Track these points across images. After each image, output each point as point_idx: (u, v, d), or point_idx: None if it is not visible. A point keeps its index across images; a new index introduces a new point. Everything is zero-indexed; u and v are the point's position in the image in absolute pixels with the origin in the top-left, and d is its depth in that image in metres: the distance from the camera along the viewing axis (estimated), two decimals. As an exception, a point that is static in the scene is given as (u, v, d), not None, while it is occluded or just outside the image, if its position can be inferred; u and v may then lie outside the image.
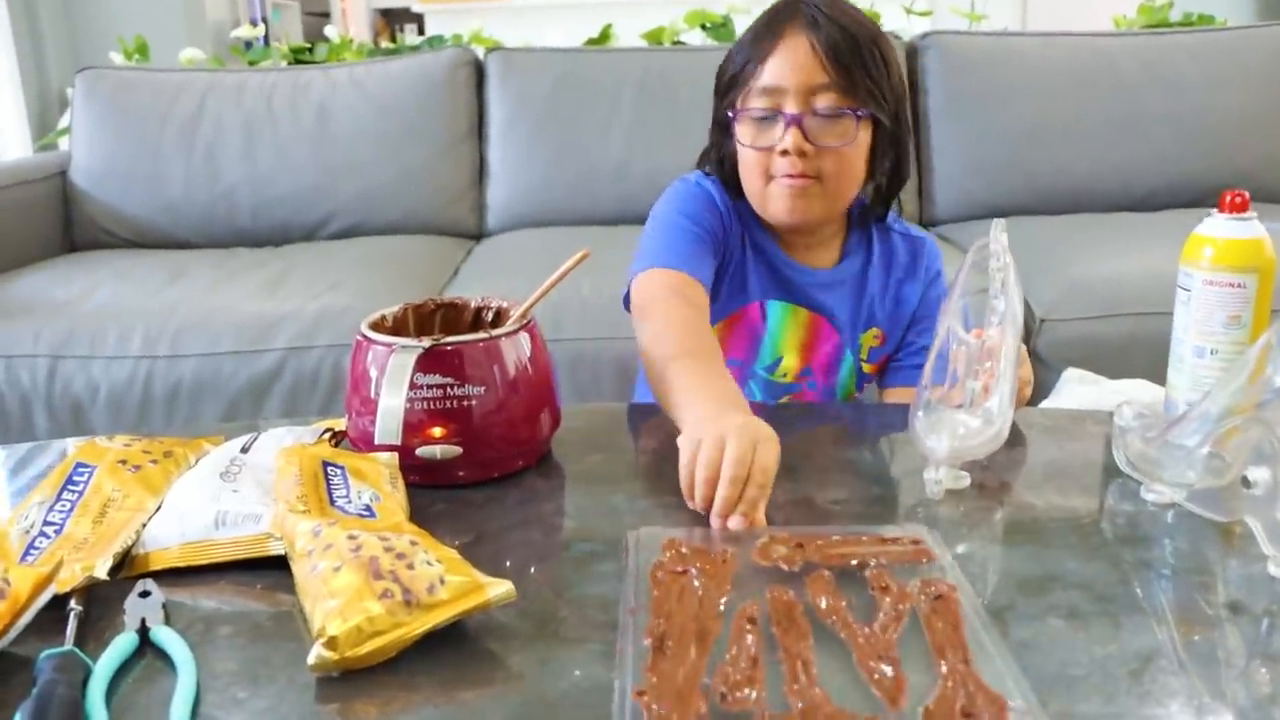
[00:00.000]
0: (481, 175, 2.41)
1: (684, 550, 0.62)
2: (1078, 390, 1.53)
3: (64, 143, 2.58)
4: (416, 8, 4.48)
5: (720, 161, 1.07)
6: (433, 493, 0.76)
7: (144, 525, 0.68)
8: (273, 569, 0.64)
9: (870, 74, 0.98)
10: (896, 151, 1.04)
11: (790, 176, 0.99)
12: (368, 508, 0.67)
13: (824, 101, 0.97)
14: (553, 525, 0.74)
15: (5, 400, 1.75)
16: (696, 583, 0.59)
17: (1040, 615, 0.59)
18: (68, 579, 0.60)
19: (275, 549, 0.65)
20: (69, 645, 0.56)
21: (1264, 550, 0.64)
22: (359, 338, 0.79)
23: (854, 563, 0.62)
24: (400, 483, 0.73)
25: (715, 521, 0.69)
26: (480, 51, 2.47)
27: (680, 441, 0.73)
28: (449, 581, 0.56)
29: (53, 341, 1.76)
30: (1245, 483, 0.66)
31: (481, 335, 0.77)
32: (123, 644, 0.56)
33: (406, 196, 2.34)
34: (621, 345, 1.69)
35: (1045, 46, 2.39)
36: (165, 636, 0.57)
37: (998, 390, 0.76)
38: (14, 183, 2.26)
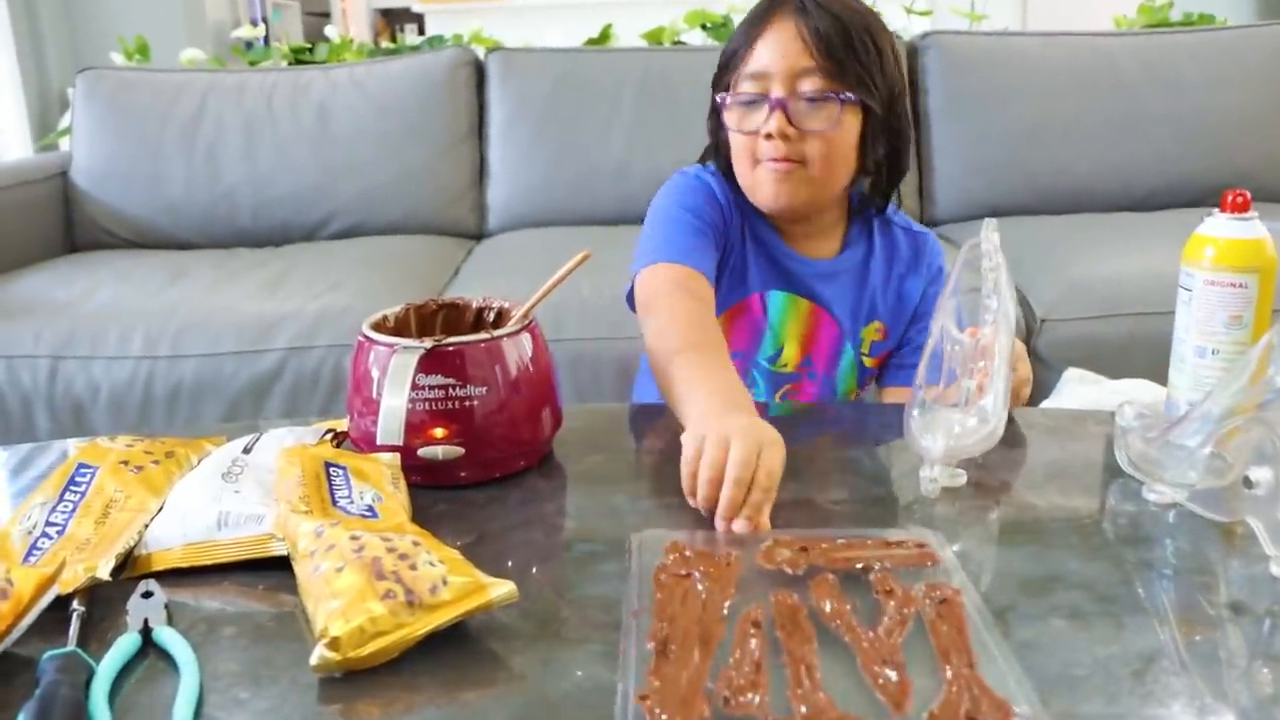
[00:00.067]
0: (482, 175, 2.41)
1: (687, 553, 0.62)
2: (1078, 390, 1.53)
3: (65, 143, 2.58)
4: (417, 8, 4.48)
5: (717, 149, 1.08)
6: (434, 493, 0.76)
7: (146, 526, 0.68)
8: (275, 569, 0.64)
9: (859, 60, 0.97)
10: (893, 141, 1.03)
11: (775, 160, 0.99)
12: (370, 508, 0.67)
13: (809, 85, 0.97)
14: (554, 526, 0.74)
15: (6, 401, 1.75)
16: (700, 586, 0.59)
17: (1043, 616, 0.59)
18: (70, 580, 0.60)
19: (277, 549, 0.65)
20: (72, 646, 0.56)
21: (1266, 550, 0.64)
22: (361, 338, 0.79)
23: (859, 566, 0.62)
24: (402, 483, 0.73)
25: (719, 524, 0.69)
26: (480, 51, 2.47)
27: (684, 438, 0.73)
28: (451, 582, 0.56)
29: (54, 342, 1.76)
30: (1247, 483, 0.66)
31: (483, 336, 0.77)
32: (125, 645, 0.56)
33: (407, 196, 2.34)
34: (622, 345, 1.69)
35: (1045, 46, 2.39)
36: (168, 637, 0.57)
37: (992, 389, 0.76)
38: (15, 183, 2.26)
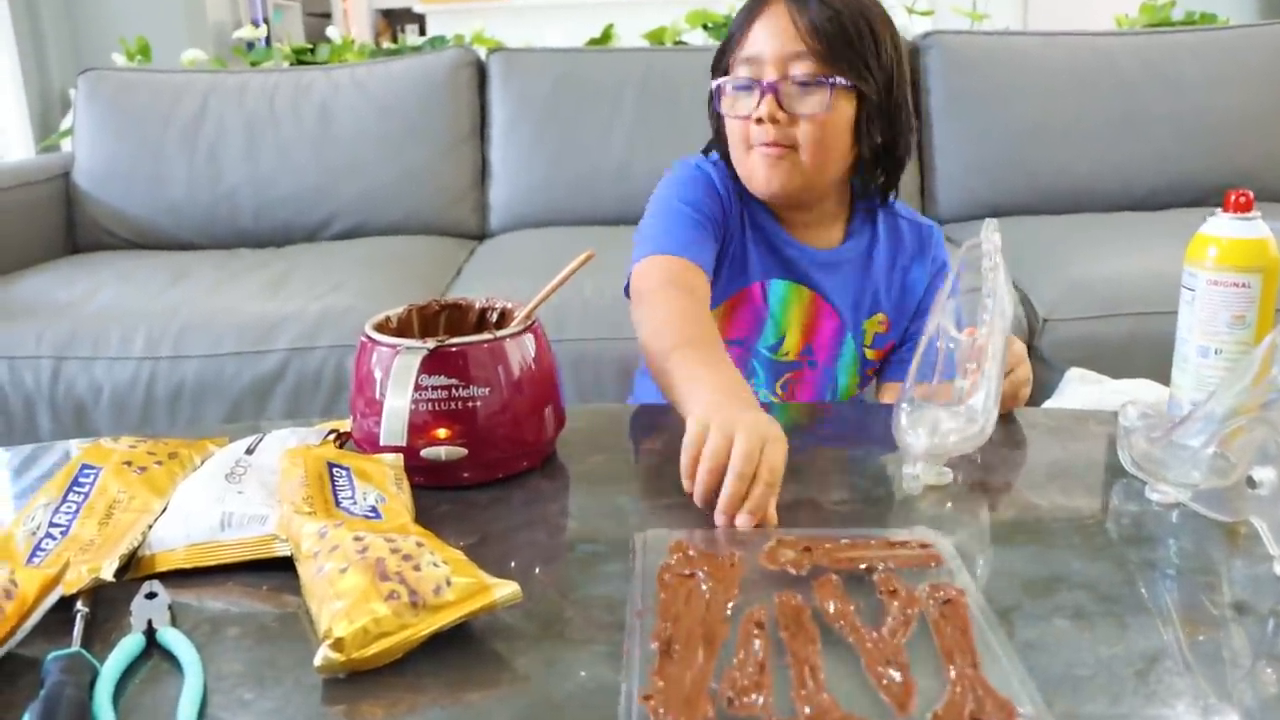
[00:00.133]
0: (483, 175, 2.41)
1: (691, 553, 0.62)
2: (1080, 390, 1.53)
3: (66, 144, 2.58)
4: (418, 8, 4.48)
5: (718, 136, 1.08)
6: (437, 494, 0.76)
7: (150, 527, 0.69)
8: (278, 570, 0.64)
9: (853, 45, 0.97)
10: (891, 128, 1.03)
11: (766, 146, 1.00)
12: (373, 509, 0.67)
13: (800, 69, 0.97)
14: (558, 526, 0.74)
15: (9, 401, 1.76)
16: (704, 586, 0.59)
17: (1046, 616, 0.59)
18: (74, 580, 0.60)
19: (281, 550, 0.65)
20: (76, 647, 0.56)
21: (1269, 550, 0.64)
22: (363, 339, 0.79)
23: (862, 566, 0.62)
24: (405, 484, 0.73)
25: (719, 518, 0.68)
26: (482, 52, 2.47)
27: (688, 424, 0.73)
28: (455, 583, 0.56)
29: (56, 343, 1.76)
30: (1250, 483, 0.66)
31: (486, 336, 0.77)
32: (129, 645, 0.56)
33: (408, 197, 2.34)
34: (624, 345, 1.69)
35: (1047, 46, 2.39)
36: (172, 638, 0.57)
37: (982, 388, 0.76)
38: (17, 184, 2.26)
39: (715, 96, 1.04)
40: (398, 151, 2.34)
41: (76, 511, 0.69)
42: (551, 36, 3.13)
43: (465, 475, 0.77)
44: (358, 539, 0.59)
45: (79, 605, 0.60)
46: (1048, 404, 1.52)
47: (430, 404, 0.75)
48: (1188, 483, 0.70)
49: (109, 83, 2.40)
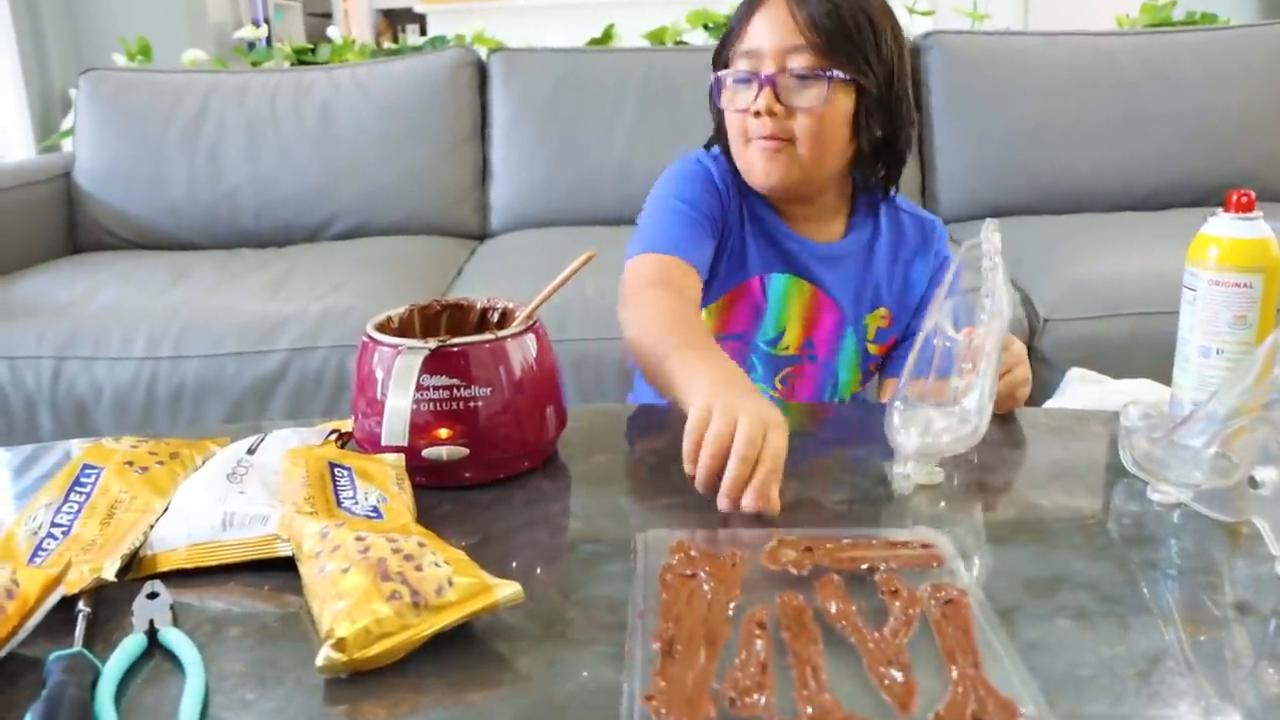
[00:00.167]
0: (484, 175, 2.41)
1: (693, 553, 0.62)
2: (1081, 390, 1.53)
3: (67, 144, 2.58)
4: (419, 8, 4.48)
5: (720, 130, 1.08)
6: (439, 494, 0.76)
7: (151, 527, 0.69)
8: (280, 570, 0.64)
9: (852, 39, 0.97)
10: (890, 122, 1.03)
11: (764, 139, 1.00)
12: (375, 509, 0.67)
13: (798, 62, 0.97)
14: (559, 526, 0.74)
15: (10, 401, 1.76)
16: (705, 586, 0.59)
17: (1048, 616, 0.59)
18: (76, 580, 0.60)
19: (283, 550, 0.65)
20: (77, 647, 0.56)
21: (1271, 550, 0.64)
22: (365, 339, 0.79)
23: (864, 567, 0.62)
24: (407, 484, 0.73)
25: (723, 502, 0.68)
26: (483, 52, 2.47)
27: (690, 411, 0.73)
28: (457, 583, 0.56)
29: (57, 343, 1.76)
30: (1252, 483, 0.66)
31: (488, 336, 0.77)
32: (131, 645, 0.56)
33: (409, 197, 2.35)
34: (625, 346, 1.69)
35: (1048, 46, 2.39)
36: (173, 638, 0.57)
37: (976, 388, 0.77)
38: (17, 184, 2.26)
39: (715, 89, 1.04)
40: (399, 151, 2.34)
41: (78, 511, 0.69)
42: (552, 36, 3.13)
43: (467, 475, 0.77)
44: (359, 539, 0.59)
45: (81, 605, 0.60)
46: (1049, 404, 1.52)
47: (432, 404, 0.75)
48: (1189, 483, 0.70)
49: (110, 83, 2.40)
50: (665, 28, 2.74)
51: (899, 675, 0.51)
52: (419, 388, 0.73)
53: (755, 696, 0.49)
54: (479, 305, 0.88)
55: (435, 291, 1.90)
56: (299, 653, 0.56)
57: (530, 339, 0.79)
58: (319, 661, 0.53)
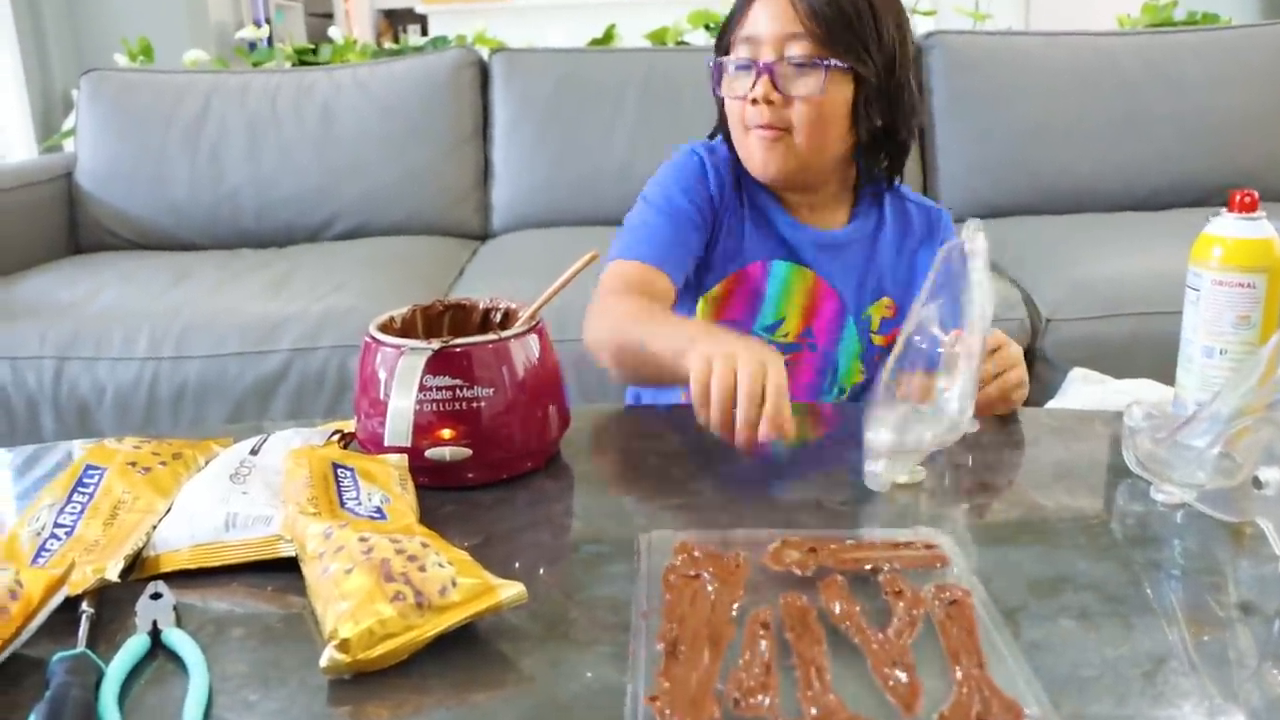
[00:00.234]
0: (486, 176, 2.41)
1: (696, 554, 0.62)
2: (1083, 390, 1.53)
3: (69, 144, 2.58)
4: (420, 8, 4.48)
5: (722, 116, 1.07)
6: (442, 494, 0.75)
7: (154, 527, 0.69)
8: (283, 571, 0.64)
9: (851, 27, 0.97)
10: (892, 112, 1.02)
11: (761, 127, 0.99)
12: (378, 509, 0.67)
13: (796, 50, 0.97)
14: (562, 527, 0.74)
15: (12, 401, 1.76)
16: (709, 587, 0.59)
17: (1052, 616, 0.59)
18: (79, 581, 0.60)
19: (286, 551, 0.65)
20: (81, 647, 0.56)
21: (1275, 551, 0.64)
22: (368, 339, 0.79)
23: (867, 567, 0.62)
24: (410, 484, 0.73)
25: (741, 436, 0.72)
26: (484, 52, 2.47)
27: (690, 362, 0.76)
28: (461, 584, 0.56)
29: (59, 343, 1.76)
30: (1256, 483, 0.66)
31: (491, 337, 0.77)
32: (135, 646, 0.56)
33: (411, 197, 2.35)
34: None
35: (1049, 46, 2.39)
36: (177, 639, 0.57)
37: (954, 388, 0.77)
38: (19, 185, 2.27)
39: (714, 76, 1.04)
40: (400, 152, 2.34)
41: (81, 512, 0.69)
42: (553, 37, 3.13)
43: (470, 476, 0.77)
44: (363, 540, 0.59)
45: (84, 606, 0.60)
46: (1050, 404, 1.52)
47: (435, 404, 0.75)
48: (1193, 483, 0.70)
49: (111, 83, 2.40)
50: (666, 28, 2.75)
51: (903, 676, 0.51)
52: (422, 388, 0.73)
53: (759, 697, 0.49)
54: (481, 306, 0.88)
55: (436, 292, 1.90)
56: (302, 654, 0.56)
57: (533, 339, 0.79)
58: (323, 662, 0.53)
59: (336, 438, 0.83)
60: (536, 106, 2.36)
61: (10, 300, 1.92)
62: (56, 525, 0.68)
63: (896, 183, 1.11)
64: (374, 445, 0.78)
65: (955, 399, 0.77)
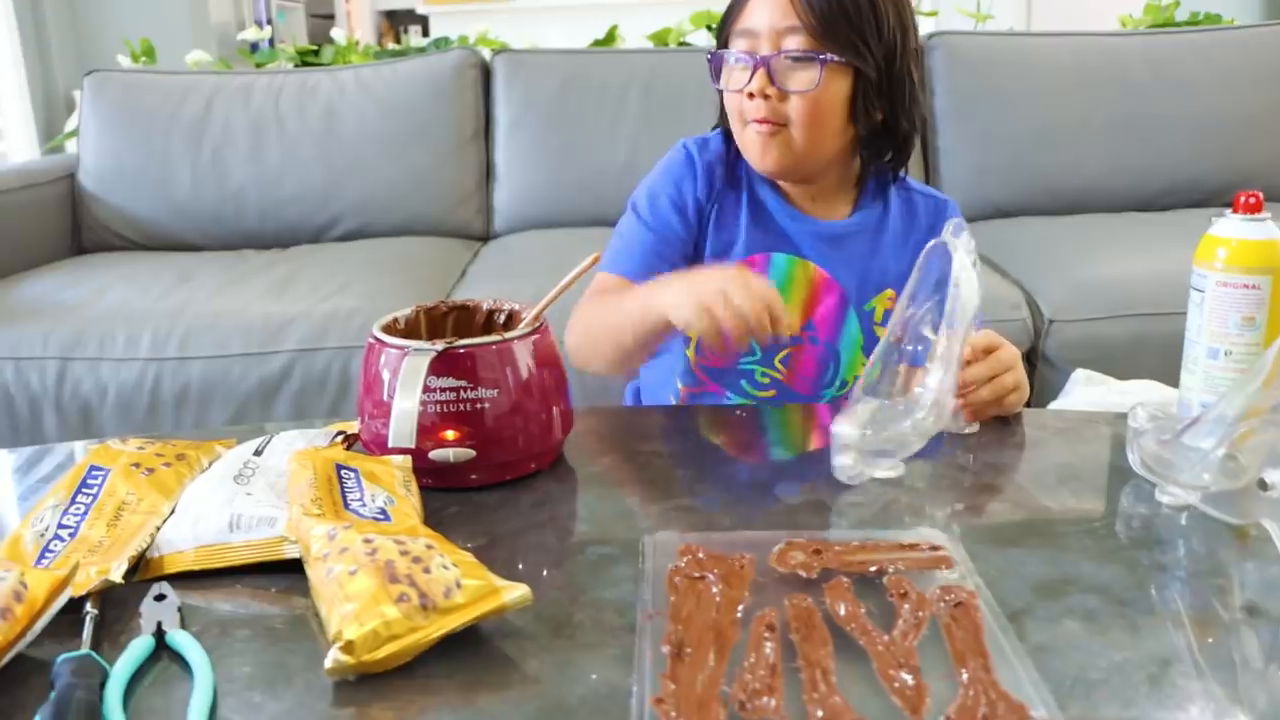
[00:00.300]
0: (488, 177, 2.41)
1: (701, 555, 0.62)
2: (1086, 391, 1.53)
3: (71, 145, 2.58)
4: (421, 9, 4.49)
5: (723, 110, 1.07)
6: (445, 495, 0.75)
7: (158, 528, 0.68)
8: (288, 572, 0.64)
9: (849, 21, 0.96)
10: (892, 105, 1.01)
11: (758, 122, 0.99)
12: (382, 511, 0.67)
13: (792, 44, 0.97)
14: (566, 528, 0.74)
15: (15, 402, 1.76)
16: (714, 589, 0.59)
17: (1057, 618, 0.58)
18: (83, 582, 0.60)
19: (290, 552, 0.65)
20: (85, 649, 0.56)
21: (1281, 553, 0.64)
22: (371, 340, 0.79)
23: (872, 569, 0.61)
24: (414, 486, 0.73)
25: (761, 338, 0.81)
26: (486, 53, 2.47)
27: (685, 313, 0.82)
28: (465, 585, 0.56)
29: (61, 343, 1.76)
30: (1262, 485, 0.66)
31: (495, 338, 0.77)
32: (139, 647, 0.56)
33: (413, 198, 2.35)
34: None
35: (1052, 46, 2.39)
36: (181, 640, 0.57)
37: (928, 386, 0.77)
38: (22, 185, 2.27)
39: (713, 69, 1.04)
40: (402, 153, 2.34)
41: (85, 513, 0.69)
42: (555, 38, 3.13)
43: (473, 477, 0.77)
44: (367, 541, 0.59)
45: (88, 607, 0.60)
46: (1053, 405, 1.52)
47: (439, 406, 0.75)
48: (1198, 485, 0.70)
49: (114, 84, 2.40)
50: (669, 29, 2.74)
51: (909, 678, 0.51)
52: (426, 389, 0.73)
53: (765, 699, 0.49)
54: (485, 307, 0.88)
55: (439, 293, 1.90)
56: (307, 655, 0.56)
57: (537, 340, 0.79)
58: (327, 664, 0.53)
59: (340, 439, 0.83)
60: (539, 107, 2.36)
61: (13, 301, 1.93)
62: (60, 526, 0.68)
63: (902, 174, 1.10)
64: (378, 446, 0.78)
65: (929, 397, 0.77)
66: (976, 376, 0.86)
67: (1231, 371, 0.82)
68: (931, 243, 0.81)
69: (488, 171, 2.41)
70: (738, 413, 0.97)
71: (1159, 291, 1.76)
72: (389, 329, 0.81)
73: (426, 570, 0.57)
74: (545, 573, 0.66)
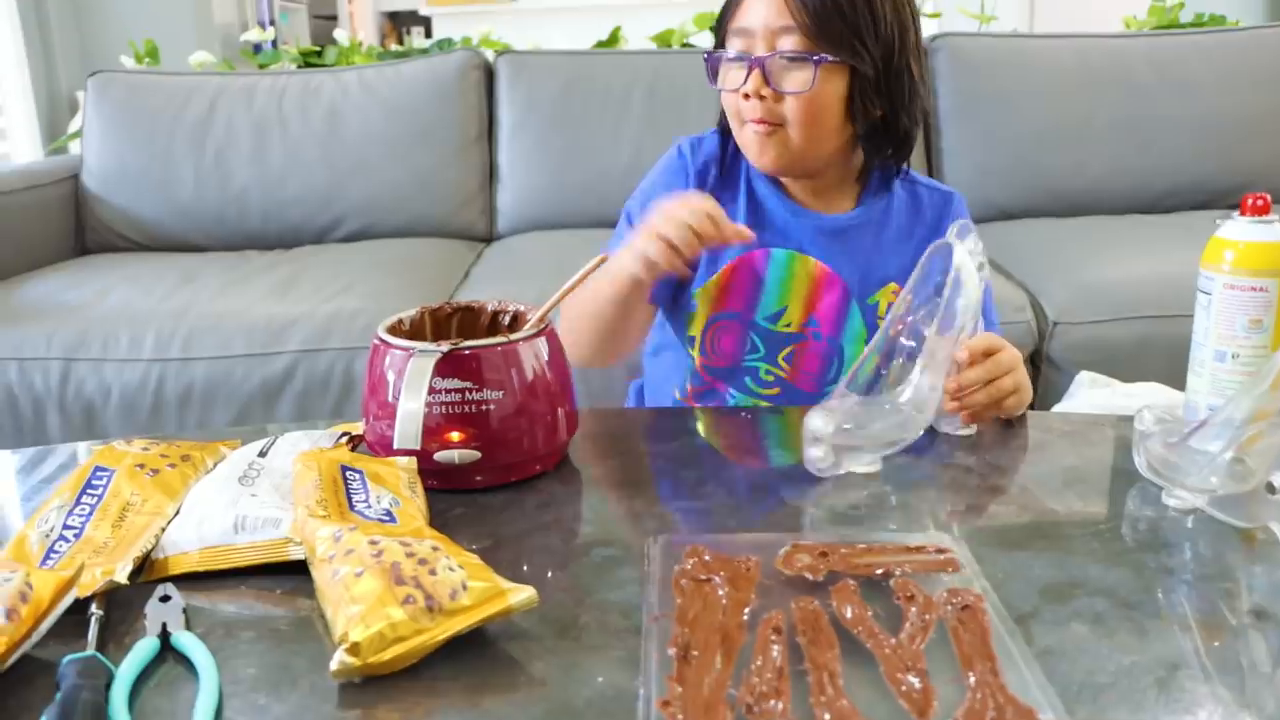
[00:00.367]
0: (491, 178, 2.41)
1: (707, 558, 0.62)
2: (1091, 394, 1.53)
3: (75, 146, 2.59)
4: (424, 11, 4.49)
5: (722, 110, 1.07)
6: (450, 497, 0.75)
7: (163, 529, 0.68)
8: (293, 574, 0.64)
9: (845, 19, 0.96)
10: (891, 102, 1.01)
11: (755, 121, 0.99)
12: (388, 512, 0.67)
13: (788, 44, 0.96)
14: (572, 530, 0.74)
15: (18, 403, 1.76)
16: (720, 591, 0.59)
17: (1064, 622, 0.58)
18: (88, 583, 0.60)
19: (295, 554, 0.65)
20: (91, 650, 0.56)
21: (1289, 556, 0.64)
22: (376, 342, 0.79)
23: (879, 572, 0.61)
24: (419, 487, 0.73)
25: (709, 236, 0.87)
26: (490, 54, 2.47)
27: (637, 259, 0.89)
28: (471, 587, 0.56)
29: (65, 344, 1.76)
30: (1269, 488, 0.66)
31: (500, 339, 0.76)
32: (144, 649, 0.56)
33: (416, 199, 2.35)
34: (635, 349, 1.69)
35: (1055, 48, 2.39)
36: (187, 641, 0.57)
37: (909, 385, 0.77)
38: (26, 186, 2.27)
39: (709, 69, 1.04)
40: (405, 154, 2.34)
41: (90, 514, 0.69)
42: (558, 39, 3.13)
43: (478, 478, 0.77)
44: (373, 543, 0.59)
45: (93, 608, 0.59)
46: (1058, 407, 1.52)
47: (444, 407, 0.75)
48: (1205, 488, 0.70)
49: (118, 85, 2.41)
50: (672, 30, 2.74)
51: (916, 681, 0.51)
52: (431, 391, 0.73)
53: (772, 703, 0.49)
54: (490, 308, 0.88)
55: (442, 294, 1.90)
56: (312, 657, 0.56)
57: (542, 342, 0.79)
58: (333, 666, 0.53)
59: (345, 440, 0.83)
60: (542, 109, 2.36)
61: (17, 302, 1.93)
62: (65, 527, 0.68)
63: (906, 168, 1.10)
64: (383, 448, 0.77)
65: (910, 395, 0.77)
66: (974, 379, 0.85)
67: (1239, 374, 0.82)
68: (936, 243, 0.81)
69: (491, 172, 2.41)
70: (743, 414, 0.96)
71: (1163, 294, 1.75)
72: (394, 330, 0.81)
73: (432, 572, 0.57)
74: (551, 575, 0.66)
